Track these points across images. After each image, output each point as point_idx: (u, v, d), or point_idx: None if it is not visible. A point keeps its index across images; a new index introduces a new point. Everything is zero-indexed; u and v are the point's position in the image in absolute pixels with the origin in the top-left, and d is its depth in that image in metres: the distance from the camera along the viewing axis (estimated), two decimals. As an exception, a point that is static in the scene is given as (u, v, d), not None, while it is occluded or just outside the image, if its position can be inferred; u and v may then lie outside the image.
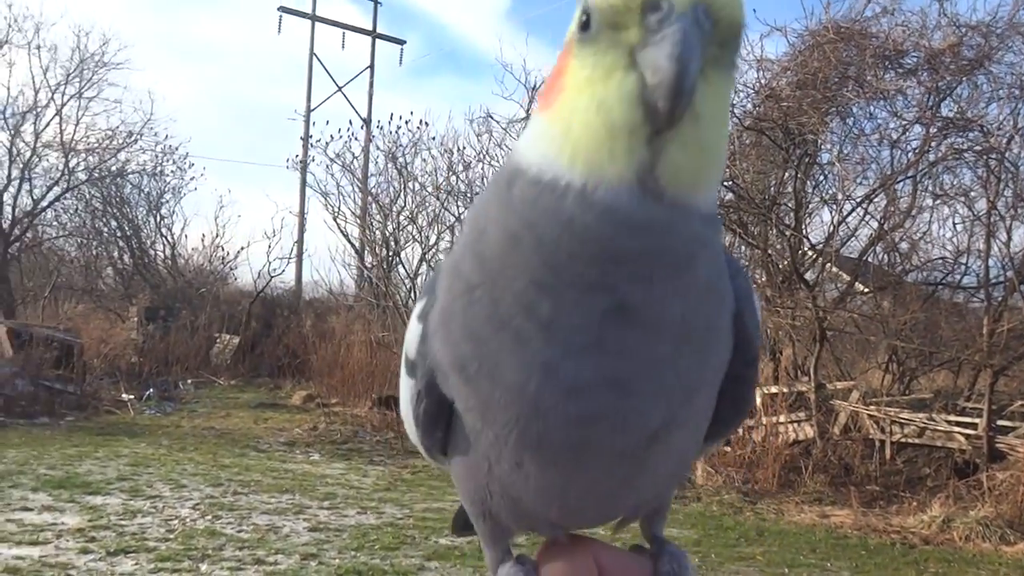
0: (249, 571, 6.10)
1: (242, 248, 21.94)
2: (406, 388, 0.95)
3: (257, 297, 20.23)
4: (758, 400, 10.78)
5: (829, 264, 12.68)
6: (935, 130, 11.73)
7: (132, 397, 14.37)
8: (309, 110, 26.03)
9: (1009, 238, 11.67)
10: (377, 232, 17.19)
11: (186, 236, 22.67)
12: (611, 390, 0.79)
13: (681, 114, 0.69)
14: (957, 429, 10.21)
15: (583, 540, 0.95)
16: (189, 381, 17.07)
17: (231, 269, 22.60)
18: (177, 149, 22.93)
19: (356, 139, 18.26)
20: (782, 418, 10.67)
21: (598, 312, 0.76)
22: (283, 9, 27.00)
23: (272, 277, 20.52)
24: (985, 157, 11.67)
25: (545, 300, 0.75)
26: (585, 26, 0.75)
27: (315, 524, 7.47)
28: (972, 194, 12.35)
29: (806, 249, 12.66)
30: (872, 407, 10.84)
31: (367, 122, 23.81)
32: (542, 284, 0.75)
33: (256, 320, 19.76)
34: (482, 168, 16.47)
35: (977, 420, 10.08)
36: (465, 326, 0.80)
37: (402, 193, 17.07)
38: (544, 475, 0.86)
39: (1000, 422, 10.09)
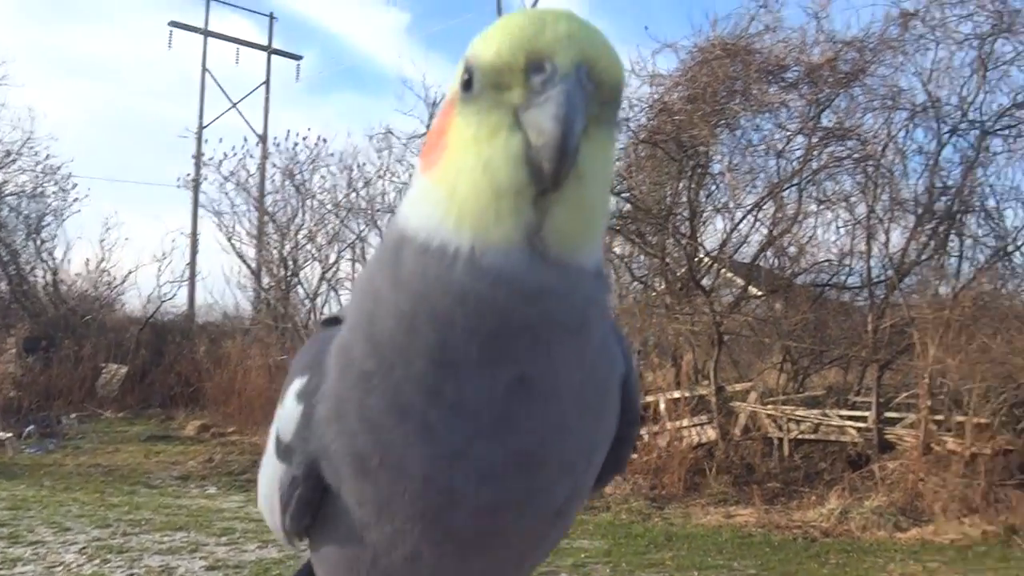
0: (144, 613, 5.82)
1: (130, 272, 20.98)
2: (274, 472, 0.88)
3: (147, 323, 19.51)
4: (662, 406, 10.97)
5: (724, 270, 13.03)
6: (816, 140, 12.22)
7: (10, 435, 13.52)
8: (201, 127, 25.30)
9: (888, 239, 12.22)
10: (274, 252, 16.80)
11: (69, 261, 21.33)
12: (521, 470, 0.78)
13: (566, 174, 0.69)
14: (849, 423, 10.58)
15: None
16: (73, 415, 16.23)
17: (118, 295, 21.65)
18: (59, 169, 21.75)
19: (251, 156, 17.78)
20: (685, 422, 10.86)
21: (502, 387, 0.74)
22: (174, 24, 26.17)
23: (163, 302, 19.83)
24: (863, 164, 12.21)
25: (447, 381, 0.73)
26: (468, 85, 0.75)
27: (213, 562, 7.16)
28: (852, 199, 12.90)
29: (702, 256, 12.98)
30: (769, 406, 11.13)
31: (263, 139, 23.20)
32: (442, 363, 0.72)
33: (146, 347, 19.03)
34: (383, 184, 16.31)
35: (867, 413, 10.48)
36: (363, 417, 0.75)
37: (300, 211, 16.73)
38: (442, 565, 0.83)
39: (888, 414, 10.50)
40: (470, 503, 0.77)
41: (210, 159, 17.40)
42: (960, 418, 9.34)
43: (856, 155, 12.28)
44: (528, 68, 0.71)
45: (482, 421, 0.74)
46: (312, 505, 0.85)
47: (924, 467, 8.91)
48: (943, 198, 12.12)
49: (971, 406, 9.11)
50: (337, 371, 0.78)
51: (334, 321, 0.85)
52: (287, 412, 0.84)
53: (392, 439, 0.75)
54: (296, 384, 0.83)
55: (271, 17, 27.73)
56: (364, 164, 16.39)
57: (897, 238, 12.37)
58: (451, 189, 0.73)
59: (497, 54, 0.72)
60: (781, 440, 10.85)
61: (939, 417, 9.60)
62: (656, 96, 12.59)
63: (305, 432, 0.81)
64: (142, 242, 47.04)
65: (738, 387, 11.89)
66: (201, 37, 26.80)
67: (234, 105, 26.52)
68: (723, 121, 12.39)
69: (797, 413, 10.97)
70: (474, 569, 0.85)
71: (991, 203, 12.18)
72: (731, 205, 12.75)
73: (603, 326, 0.82)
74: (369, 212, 15.73)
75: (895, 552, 7.72)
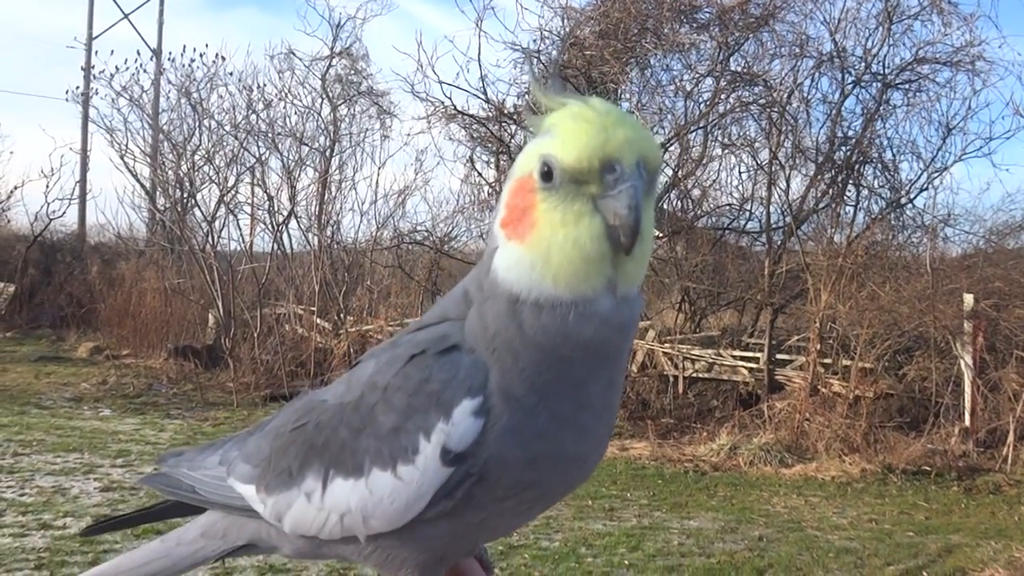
0: (35, 536, 5.69)
1: (16, 188, 20.02)
2: (423, 476, 1.09)
3: (35, 241, 18.68)
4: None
5: (628, 210, 13.15)
6: (724, 83, 12.35)
7: None
8: (91, 38, 23.95)
9: (788, 186, 12.58)
10: (170, 172, 16.15)
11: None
12: (608, 434, 1.13)
13: (635, 243, 0.96)
14: (741, 363, 10.96)
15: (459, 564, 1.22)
16: (-44, 333, 15.62)
17: (3, 211, 20.67)
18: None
19: (145, 71, 16.88)
20: (584, 358, 11.05)
21: (604, 387, 1.06)
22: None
23: (51, 220, 18.94)
24: (768, 110, 12.44)
25: (581, 392, 1.04)
26: (548, 176, 1.00)
27: (107, 483, 7.07)
28: (756, 145, 13.18)
29: (606, 195, 13.04)
30: (666, 345, 11.43)
31: (157, 53, 22.10)
32: (575, 384, 1.03)
33: (34, 267, 18.30)
34: (284, 107, 15.83)
35: (759, 355, 10.86)
36: (535, 431, 1.04)
37: (197, 131, 16.08)
38: (538, 508, 1.15)
39: (779, 356, 10.91)
40: (590, 462, 1.12)
41: (101, 72, 16.40)
42: (846, 362, 9.78)
43: (762, 101, 12.49)
44: (602, 169, 0.97)
45: (599, 410, 1.07)
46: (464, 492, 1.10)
47: (810, 407, 9.32)
48: (843, 148, 12.50)
49: (857, 351, 9.54)
50: (505, 404, 1.04)
51: (451, 349, 1.09)
52: (463, 428, 1.06)
53: (555, 439, 1.05)
54: (468, 404, 1.06)
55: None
56: (265, 85, 15.89)
57: (797, 185, 12.74)
58: (546, 257, 0.99)
59: (577, 160, 0.98)
60: (676, 378, 11.18)
61: (827, 360, 10.04)
62: (567, 29, 12.51)
63: (482, 441, 1.05)
64: (28, 157, 44.83)
65: (638, 325, 12.16)
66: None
67: (126, 16, 25.18)
68: (633, 59, 12.40)
69: (693, 352, 11.30)
70: (540, 511, 1.18)
71: (888, 155, 12.64)
72: (638, 145, 12.84)
73: None
74: (269, 135, 15.29)
75: (780, 487, 8.11)
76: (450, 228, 15.16)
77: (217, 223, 15.16)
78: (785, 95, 12.36)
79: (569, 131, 1.00)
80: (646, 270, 1.06)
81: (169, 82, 16.87)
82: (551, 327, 1.00)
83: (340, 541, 1.19)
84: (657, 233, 13.44)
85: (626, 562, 5.74)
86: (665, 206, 13.37)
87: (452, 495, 1.07)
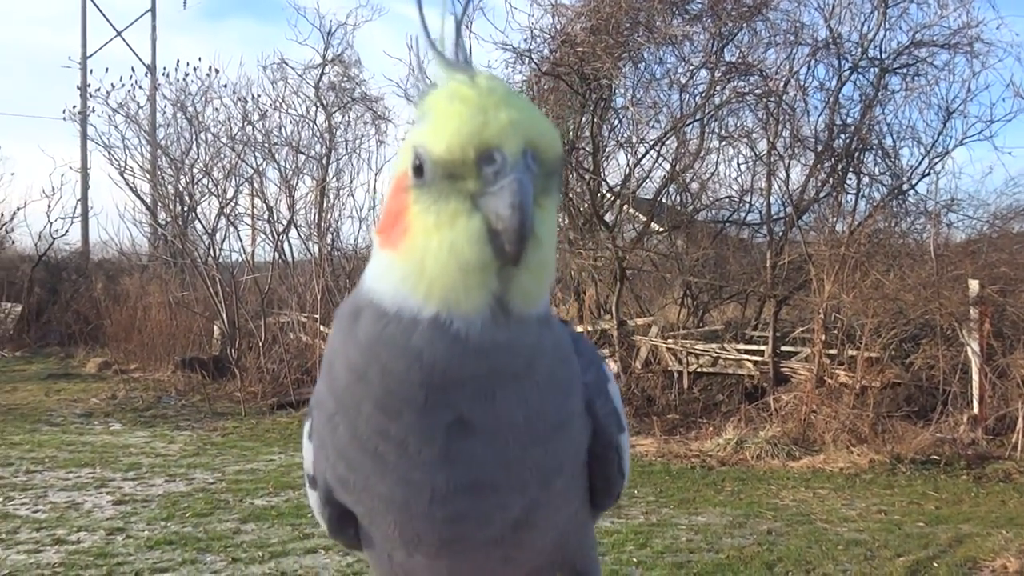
0: (49, 552, 5.72)
1: (18, 209, 20.12)
2: (312, 497, 1.04)
3: (40, 261, 18.81)
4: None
5: (626, 206, 13.15)
6: (719, 74, 12.31)
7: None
8: (85, 57, 24.01)
9: (788, 176, 12.52)
10: (169, 187, 16.20)
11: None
12: (469, 493, 0.90)
13: (525, 251, 0.78)
14: (746, 357, 10.95)
15: None
16: (-34, 355, 15.71)
17: (7, 232, 20.76)
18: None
19: (140, 87, 16.88)
20: (588, 356, 11.05)
21: (442, 428, 0.85)
22: (50, -55, 24.62)
23: (55, 239, 19.13)
24: (765, 100, 12.40)
25: (392, 423, 0.85)
26: (420, 171, 0.82)
27: (119, 497, 7.10)
28: (754, 135, 13.15)
29: (605, 192, 13.03)
30: (670, 340, 11.42)
31: (151, 69, 22.14)
32: (386, 409, 0.85)
33: (40, 286, 18.46)
34: (279, 117, 15.86)
35: (763, 347, 10.85)
36: (336, 449, 0.91)
37: (194, 145, 16.12)
38: (433, 564, 0.98)
39: (783, 348, 10.90)
40: (426, 517, 0.91)
41: (97, 91, 16.45)
42: (852, 352, 9.76)
43: (758, 91, 12.45)
44: (479, 160, 0.78)
45: (424, 456, 0.86)
46: (345, 521, 0.99)
47: (816, 399, 9.31)
48: (842, 136, 12.44)
49: (863, 341, 9.52)
50: (315, 412, 0.93)
51: None
52: (305, 449, 1.01)
53: (359, 465, 0.89)
54: (307, 425, 0.98)
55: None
56: (259, 96, 15.93)
57: (797, 175, 12.68)
58: (419, 267, 0.81)
59: (448, 150, 0.78)
60: (681, 373, 11.18)
61: (832, 351, 10.02)
62: (559, 27, 12.51)
63: (318, 464, 0.96)
64: (29, 177, 45.10)
65: (640, 321, 12.16)
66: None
67: (119, 34, 25.27)
68: (626, 54, 12.36)
69: (696, 347, 11.30)
70: (461, 568, 1.00)
71: (888, 141, 12.56)
72: (634, 140, 12.81)
73: (554, 359, 0.91)
74: (266, 145, 15.33)
75: (787, 480, 8.10)
76: (449, 230, 15.15)
77: (218, 235, 15.21)
78: (781, 84, 12.31)
79: (441, 115, 0.82)
80: (552, 278, 0.88)
81: (164, 97, 16.89)
82: (385, 333, 0.83)
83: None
84: (656, 228, 13.45)
85: (634, 560, 5.75)
86: (664, 200, 13.36)
87: (331, 518, 1.01)
